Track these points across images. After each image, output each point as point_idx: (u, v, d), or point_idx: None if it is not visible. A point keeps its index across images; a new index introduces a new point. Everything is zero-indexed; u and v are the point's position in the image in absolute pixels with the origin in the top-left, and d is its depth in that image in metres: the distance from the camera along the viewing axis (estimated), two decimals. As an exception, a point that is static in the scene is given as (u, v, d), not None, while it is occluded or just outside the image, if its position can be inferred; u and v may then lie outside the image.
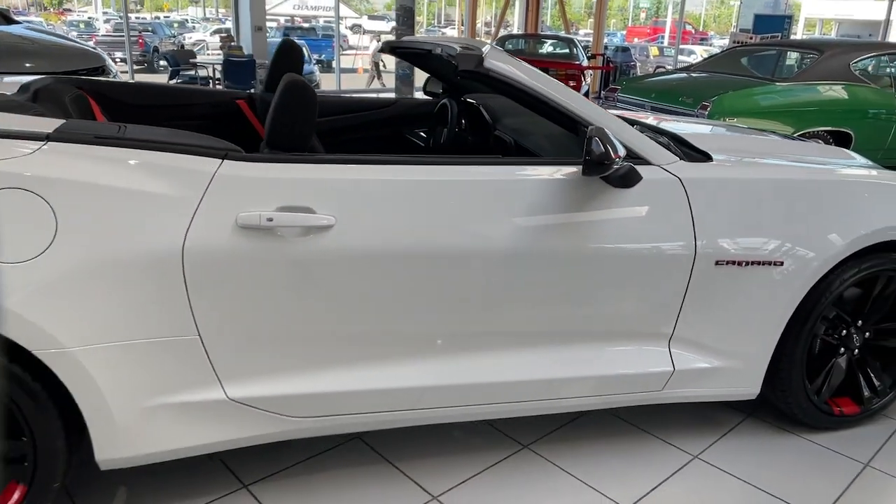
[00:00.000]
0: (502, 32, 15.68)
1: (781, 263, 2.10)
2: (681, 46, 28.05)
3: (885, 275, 2.29)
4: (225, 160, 1.67)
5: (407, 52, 2.91)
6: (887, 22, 12.00)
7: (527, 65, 2.01)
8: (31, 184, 1.50)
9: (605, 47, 15.11)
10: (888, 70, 6.15)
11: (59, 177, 1.53)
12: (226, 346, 1.71)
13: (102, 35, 23.96)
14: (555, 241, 1.88)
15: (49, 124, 1.63)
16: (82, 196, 1.54)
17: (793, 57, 6.52)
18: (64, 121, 1.67)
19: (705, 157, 2.18)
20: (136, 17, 31.82)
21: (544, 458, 2.19)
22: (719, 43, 32.11)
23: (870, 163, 2.72)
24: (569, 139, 2.22)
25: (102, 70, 5.01)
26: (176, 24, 29.78)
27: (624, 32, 40.71)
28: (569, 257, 1.90)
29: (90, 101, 2.35)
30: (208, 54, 19.92)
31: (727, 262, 2.05)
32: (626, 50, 16.97)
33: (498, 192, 1.85)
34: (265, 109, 2.76)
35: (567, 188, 1.90)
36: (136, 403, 1.66)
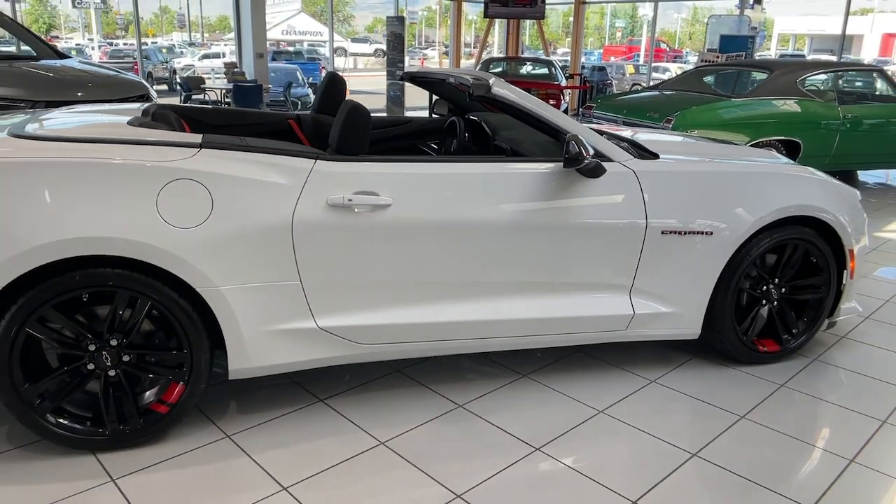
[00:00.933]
0: (484, 55, 16.56)
1: (711, 233, 2.86)
2: (656, 64, 29.22)
3: (793, 243, 3.05)
4: (317, 160, 2.40)
5: (423, 80, 3.68)
6: (843, 37, 12.99)
7: (521, 90, 2.77)
8: (195, 175, 2.23)
9: (583, 67, 16.03)
10: (831, 86, 7.00)
11: (212, 171, 2.26)
12: (317, 289, 2.43)
13: (98, 61, 24.62)
14: (544, 216, 2.63)
15: (195, 137, 2.36)
16: (227, 183, 2.27)
17: (748, 76, 7.38)
18: (202, 135, 2.40)
19: (654, 156, 2.95)
20: (125, 44, 32.49)
21: (540, 382, 2.92)
22: (693, 60, 33.27)
23: (788, 161, 3.49)
24: (550, 146, 2.97)
25: (146, 97, 5.71)
26: (164, 50, 30.42)
27: (601, 51, 41.99)
28: (554, 228, 2.65)
29: (182, 121, 3.08)
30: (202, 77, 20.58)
31: (670, 232, 2.81)
32: (602, 69, 17.94)
33: (503, 181, 2.60)
34: (312, 126, 3.50)
35: (552, 178, 2.65)
36: (258, 329, 2.38)
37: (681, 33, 60.69)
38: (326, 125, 3.32)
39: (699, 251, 2.87)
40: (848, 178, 8.07)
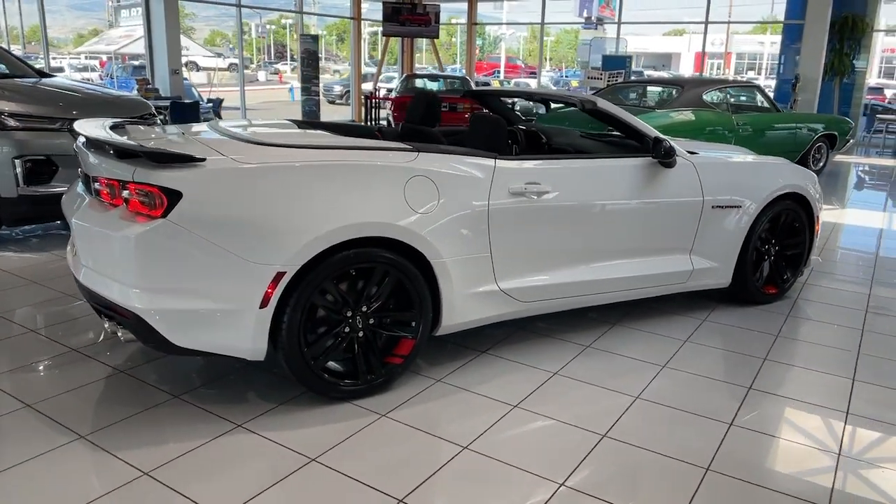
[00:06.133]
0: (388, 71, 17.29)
1: (740, 206, 3.89)
2: (518, 80, 31.34)
3: (786, 213, 4.16)
4: (497, 159, 3.11)
5: (478, 96, 4.44)
6: (679, 56, 15.17)
7: (614, 105, 3.64)
8: (425, 172, 2.87)
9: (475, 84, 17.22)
10: (725, 99, 8.53)
11: (434, 169, 2.90)
12: (500, 258, 3.12)
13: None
14: (643, 196, 3.51)
15: (404, 144, 2.98)
16: (446, 178, 2.92)
17: (657, 90, 8.77)
18: (410, 143, 3.02)
19: (694, 153, 3.92)
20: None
21: (495, 355, 3.76)
22: (551, 75, 35.84)
23: (751, 153, 4.63)
24: (597, 147, 3.85)
25: (151, 115, 5.92)
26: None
27: (457, 66, 44.02)
28: (649, 205, 3.53)
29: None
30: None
31: (717, 206, 3.80)
32: (486, 85, 19.29)
33: (619, 171, 3.46)
34: (407, 135, 4.11)
35: (644, 168, 3.54)
36: (462, 292, 3.03)
37: (523, 50, 64.89)
38: (428, 134, 3.94)
39: (733, 219, 3.88)
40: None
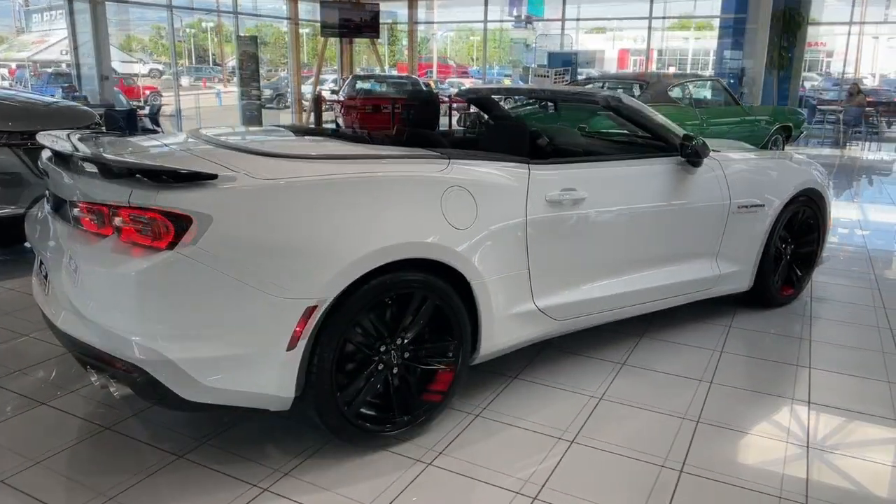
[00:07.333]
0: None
1: (763, 206, 3.70)
2: (452, 80, 31.17)
3: (802, 210, 3.99)
4: (530, 165, 2.80)
5: (475, 99, 4.13)
6: (602, 53, 15.35)
7: (640, 103, 3.39)
8: (461, 183, 2.53)
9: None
10: (688, 94, 8.52)
11: (470, 179, 2.57)
12: (538, 274, 2.81)
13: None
14: (673, 198, 3.27)
15: (431, 151, 2.64)
16: (483, 189, 2.59)
17: (621, 87, 8.67)
18: (436, 150, 2.67)
19: (716, 150, 3.71)
20: None
21: (529, 380, 3.43)
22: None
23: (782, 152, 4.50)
24: (602, 147, 3.63)
25: (97, 125, 5.34)
26: None
27: (395, 69, 43.51)
28: (680, 207, 3.30)
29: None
30: None
31: (741, 207, 3.60)
32: (427, 86, 19.00)
33: (651, 173, 3.22)
34: (379, 141, 3.71)
35: (673, 170, 3.30)
36: (500, 314, 2.70)
37: (450, 50, 64.79)
38: (433, 139, 3.59)
39: (756, 220, 3.70)
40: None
